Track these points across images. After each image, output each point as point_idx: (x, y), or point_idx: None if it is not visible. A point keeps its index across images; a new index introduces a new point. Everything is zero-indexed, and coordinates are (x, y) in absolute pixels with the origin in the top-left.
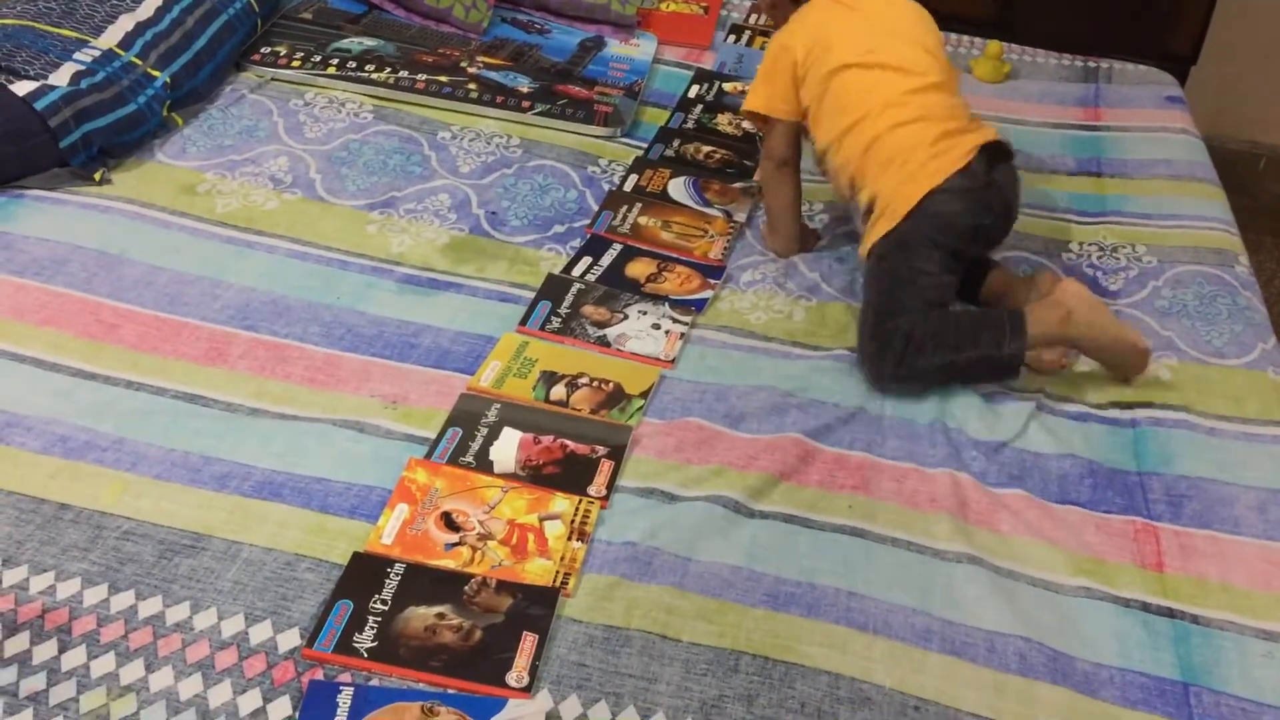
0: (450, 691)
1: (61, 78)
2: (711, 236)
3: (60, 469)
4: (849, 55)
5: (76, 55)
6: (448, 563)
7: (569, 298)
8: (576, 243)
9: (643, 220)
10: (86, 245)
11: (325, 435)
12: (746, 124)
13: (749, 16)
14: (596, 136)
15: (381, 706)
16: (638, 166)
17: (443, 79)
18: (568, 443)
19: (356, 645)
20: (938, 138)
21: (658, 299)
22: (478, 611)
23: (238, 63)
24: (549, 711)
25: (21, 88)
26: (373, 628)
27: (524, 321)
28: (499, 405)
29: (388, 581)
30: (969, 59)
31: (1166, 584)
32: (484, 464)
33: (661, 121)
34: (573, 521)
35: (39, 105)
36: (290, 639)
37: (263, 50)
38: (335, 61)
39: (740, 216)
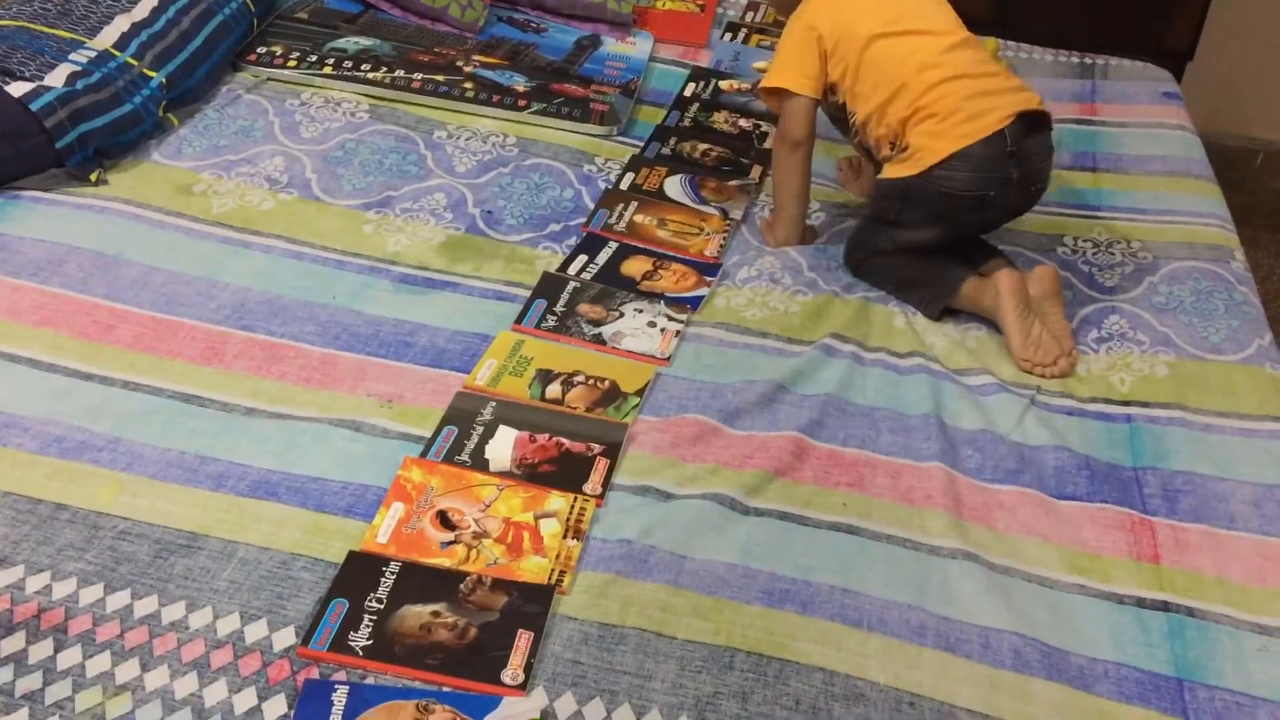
0: (445, 689)
1: (57, 78)
2: (708, 234)
3: (57, 469)
4: (877, 26)
5: (72, 56)
6: (443, 561)
7: (565, 296)
8: (572, 241)
9: (639, 218)
10: (83, 246)
11: (321, 434)
12: (759, 102)
13: (745, 14)
14: (593, 135)
15: (377, 705)
16: (634, 165)
17: (439, 78)
18: (563, 441)
19: (352, 644)
20: (975, 95)
21: (653, 297)
22: (473, 609)
23: (234, 63)
24: (544, 709)
25: (17, 89)
26: (368, 626)
27: (520, 320)
28: (495, 404)
29: (383, 580)
30: None
31: (1162, 577)
32: (480, 462)
33: (658, 120)
34: (568, 520)
35: (35, 106)
36: (285, 637)
37: (259, 50)
38: (331, 61)
39: (737, 214)
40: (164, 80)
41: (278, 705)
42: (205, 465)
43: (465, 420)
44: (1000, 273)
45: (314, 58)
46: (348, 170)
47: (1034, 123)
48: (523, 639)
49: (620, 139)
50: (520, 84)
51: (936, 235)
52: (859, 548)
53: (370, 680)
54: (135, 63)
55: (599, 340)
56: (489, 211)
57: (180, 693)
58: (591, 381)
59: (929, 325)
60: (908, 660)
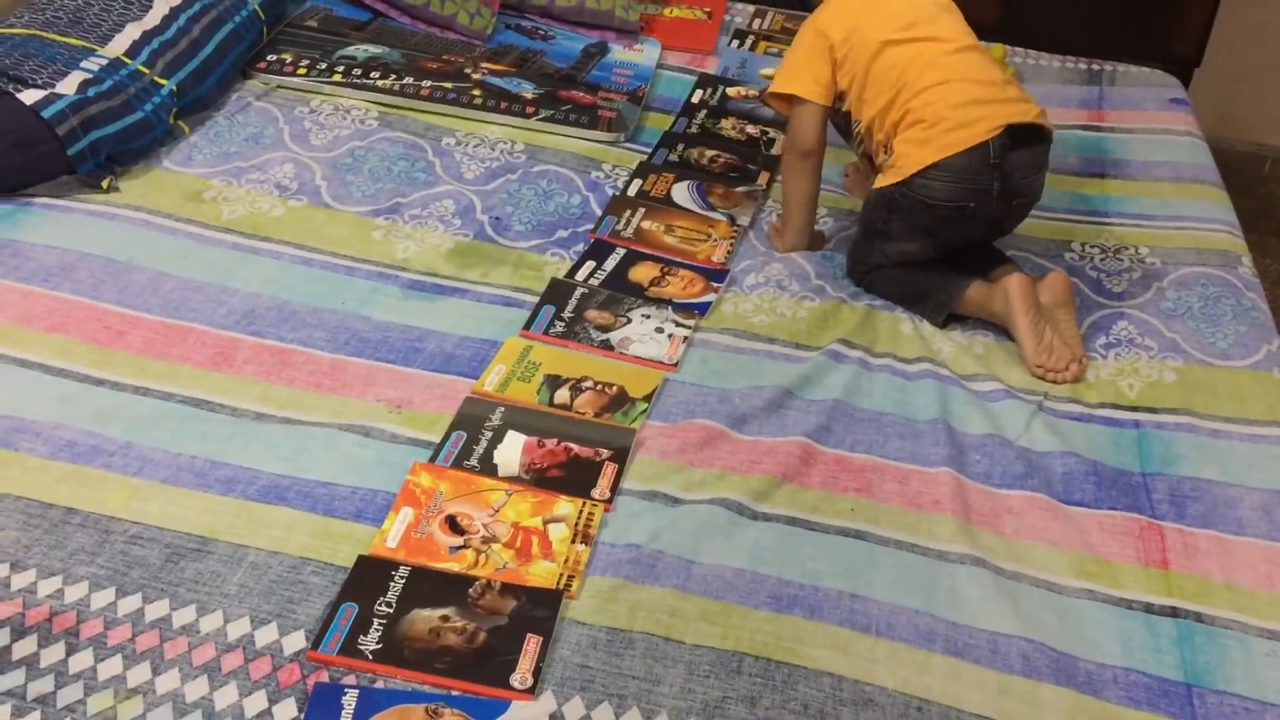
0: (454, 693)
1: (69, 86)
2: (715, 240)
3: (68, 474)
4: (889, 32)
5: (84, 64)
6: (452, 566)
7: (573, 302)
8: (580, 247)
9: (646, 225)
10: (94, 252)
11: (330, 439)
12: (766, 109)
13: (753, 21)
14: (600, 142)
15: (386, 708)
16: (641, 171)
17: (447, 85)
18: (571, 446)
19: (361, 647)
20: (965, 103)
21: (661, 303)
22: (482, 614)
23: (244, 70)
24: (553, 713)
25: (29, 96)
26: (377, 630)
27: (528, 326)
28: (503, 409)
29: (392, 584)
30: None
31: (1171, 582)
32: (488, 467)
33: (665, 126)
34: (576, 524)
35: (46, 114)
36: (296, 641)
37: (268, 58)
38: (340, 69)
39: (744, 220)
40: (174, 88)
41: (288, 709)
42: (215, 470)
43: (474, 425)
44: (1010, 277)
45: (323, 65)
46: (357, 177)
47: (1025, 136)
48: (531, 643)
49: (628, 145)
50: (528, 91)
51: (922, 248)
52: (867, 553)
53: (380, 684)
54: (146, 70)
55: (607, 346)
56: (497, 218)
57: (191, 696)
58: (600, 387)
59: (936, 331)
60: (916, 665)
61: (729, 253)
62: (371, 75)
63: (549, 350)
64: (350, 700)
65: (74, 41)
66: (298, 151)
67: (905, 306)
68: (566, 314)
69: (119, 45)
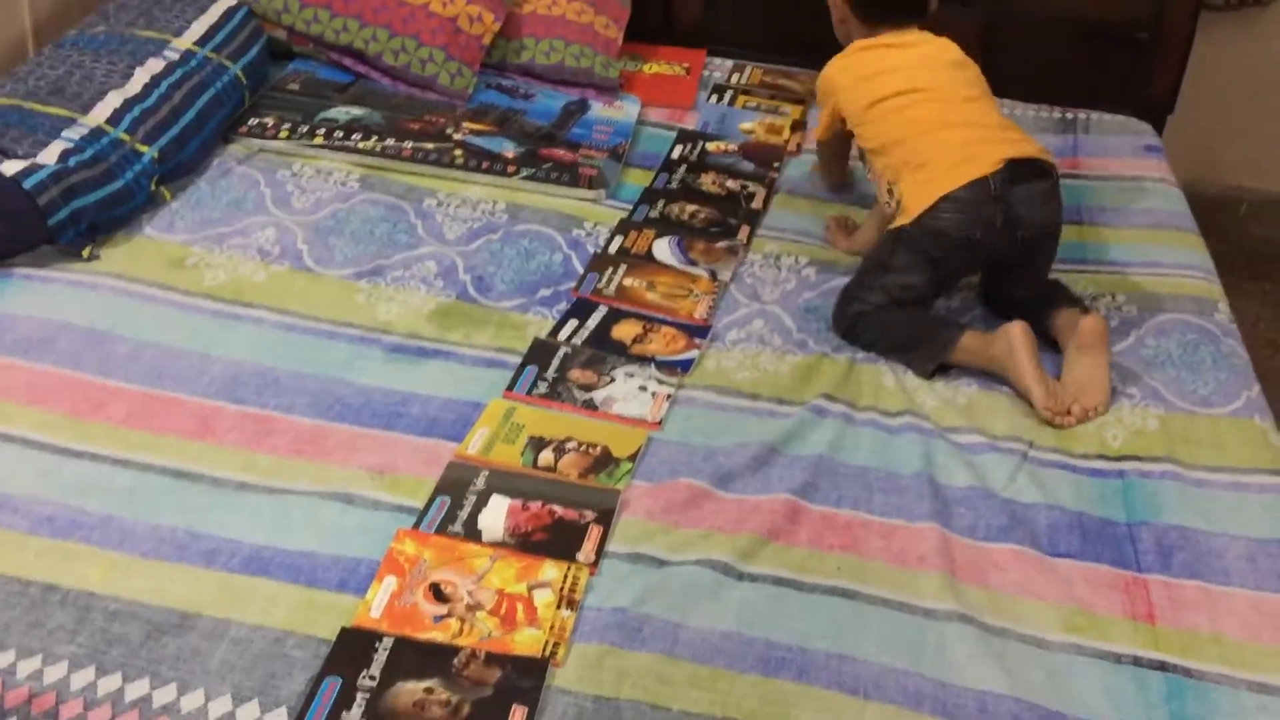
0: None
1: (50, 156)
2: (696, 296)
3: (47, 548)
4: (897, 85)
5: (65, 133)
6: (436, 635)
7: (555, 361)
8: (563, 305)
9: (628, 281)
10: (75, 322)
11: (313, 508)
12: (746, 163)
13: (731, 76)
14: (582, 199)
15: None
16: (622, 228)
17: (429, 146)
18: (556, 509)
19: None
20: (966, 143)
21: (644, 360)
22: (467, 685)
23: (225, 135)
24: None
25: (10, 167)
26: (361, 704)
27: (511, 386)
28: (487, 472)
29: (376, 656)
30: None
31: (1159, 637)
32: (472, 532)
33: (646, 183)
34: (562, 589)
35: (27, 184)
36: (278, 719)
37: (250, 122)
38: (322, 131)
39: (725, 275)
40: (156, 154)
41: None
42: (197, 542)
43: (458, 490)
44: (1013, 324)
45: (305, 128)
46: (339, 240)
47: (1027, 170)
48: (517, 714)
49: (609, 202)
50: (509, 150)
51: (926, 280)
52: (854, 612)
53: None
54: (127, 138)
55: (590, 405)
56: (479, 278)
57: None
58: (584, 448)
59: (919, 384)
60: None
61: (710, 308)
62: (353, 137)
63: (533, 411)
64: None
65: (55, 111)
66: (280, 215)
67: (895, 355)
68: (550, 374)
69: (100, 113)
